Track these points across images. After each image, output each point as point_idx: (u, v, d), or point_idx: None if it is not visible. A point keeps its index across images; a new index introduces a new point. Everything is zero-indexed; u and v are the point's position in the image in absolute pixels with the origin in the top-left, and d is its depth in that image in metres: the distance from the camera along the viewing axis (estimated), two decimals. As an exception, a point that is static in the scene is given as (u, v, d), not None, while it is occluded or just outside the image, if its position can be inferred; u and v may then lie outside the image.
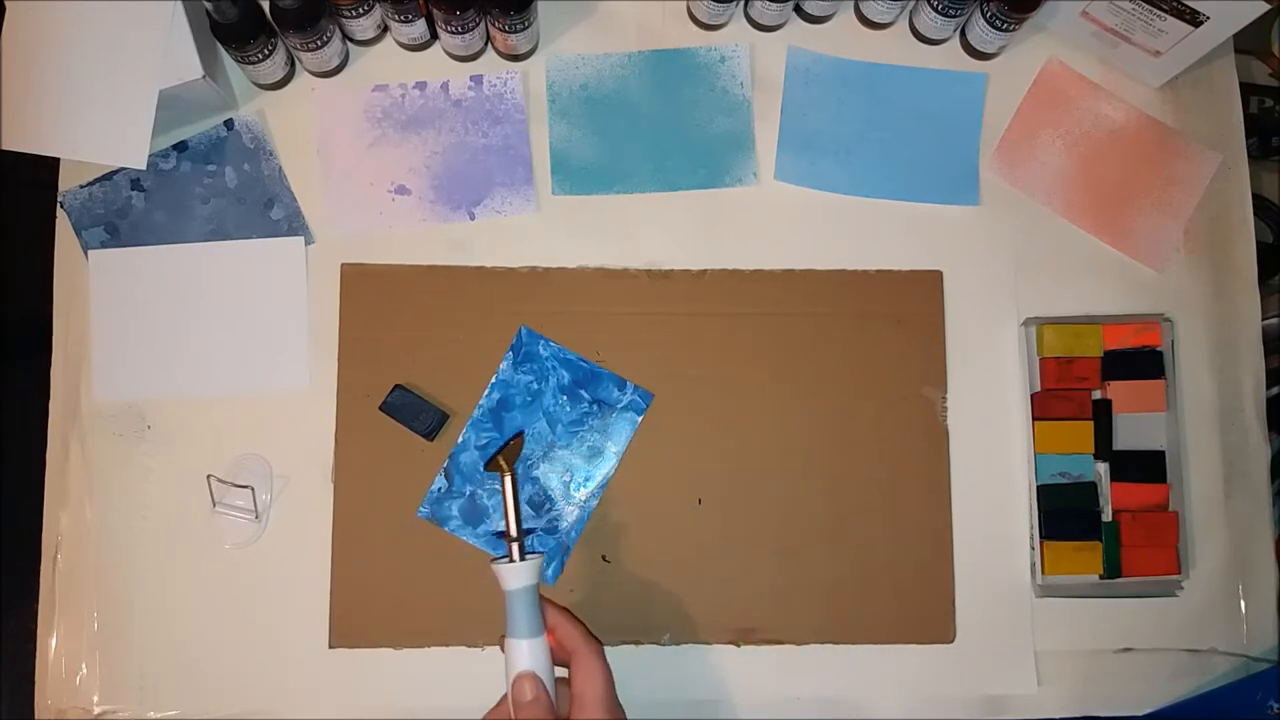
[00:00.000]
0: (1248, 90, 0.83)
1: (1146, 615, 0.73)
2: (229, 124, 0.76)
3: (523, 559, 0.57)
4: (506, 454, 0.60)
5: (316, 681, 0.70)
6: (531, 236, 0.75)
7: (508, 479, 0.59)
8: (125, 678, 0.70)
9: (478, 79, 0.77)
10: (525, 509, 0.72)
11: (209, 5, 0.66)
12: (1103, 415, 0.74)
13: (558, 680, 0.57)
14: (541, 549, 0.60)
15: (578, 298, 0.74)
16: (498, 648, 0.70)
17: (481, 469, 0.70)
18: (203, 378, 0.73)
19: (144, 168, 0.71)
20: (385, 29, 0.76)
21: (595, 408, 0.73)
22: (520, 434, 0.71)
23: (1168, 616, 0.73)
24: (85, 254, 0.74)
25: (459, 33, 0.73)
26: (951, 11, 0.74)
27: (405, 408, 0.71)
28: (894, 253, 0.76)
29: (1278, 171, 0.90)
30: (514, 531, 0.58)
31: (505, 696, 0.56)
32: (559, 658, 0.57)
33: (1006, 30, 0.74)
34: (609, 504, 0.72)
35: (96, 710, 0.69)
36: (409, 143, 0.76)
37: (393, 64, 0.77)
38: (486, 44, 0.77)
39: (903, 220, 0.77)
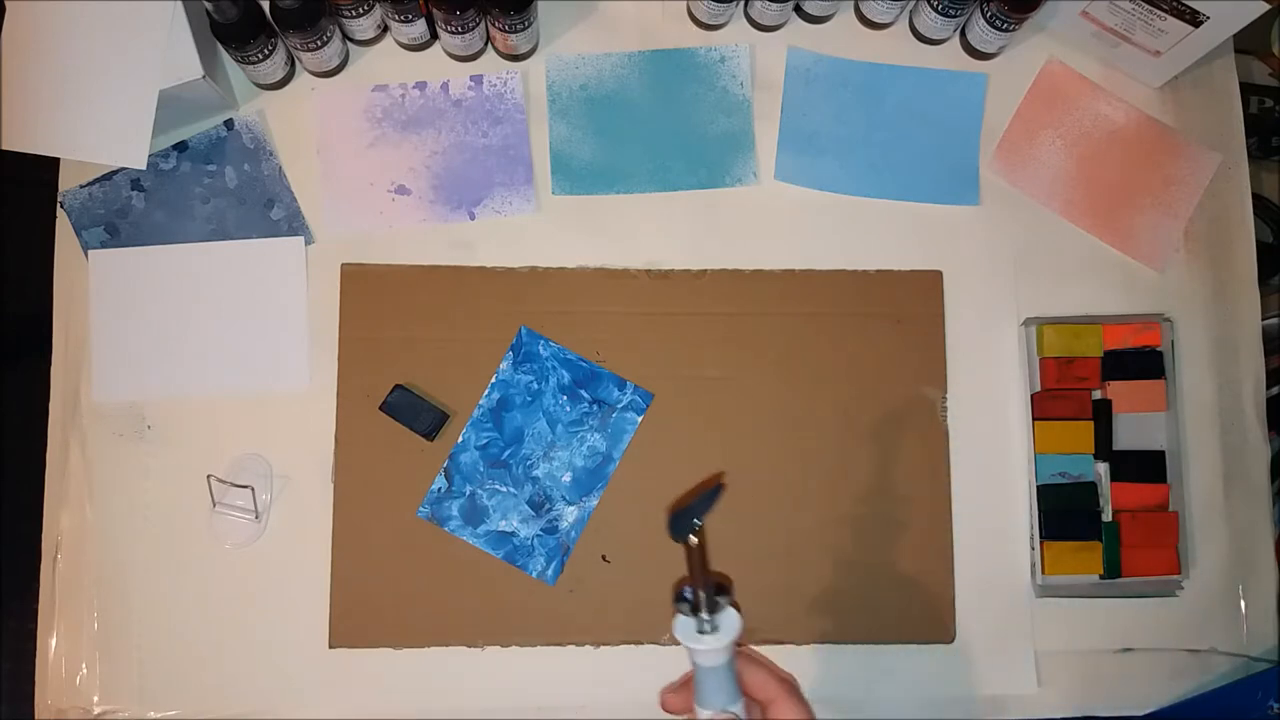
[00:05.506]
0: (1248, 90, 0.83)
1: (1146, 615, 0.73)
2: (229, 124, 0.76)
3: (713, 630, 0.48)
4: (695, 509, 0.49)
5: (316, 681, 0.70)
6: (531, 236, 0.75)
7: (693, 541, 0.49)
8: (125, 678, 0.70)
9: (478, 79, 0.77)
10: (525, 509, 0.72)
11: (209, 5, 0.66)
12: (1103, 415, 0.74)
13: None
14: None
15: (578, 298, 0.74)
16: (497, 647, 0.71)
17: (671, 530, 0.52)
18: (203, 378, 0.73)
19: (144, 168, 0.71)
20: (385, 29, 0.76)
21: (595, 408, 0.73)
22: (718, 488, 0.54)
23: (1168, 616, 0.73)
24: (85, 254, 0.74)
25: (459, 33, 0.73)
26: (951, 11, 0.74)
27: (405, 408, 0.71)
28: (894, 253, 0.76)
29: (1278, 171, 0.90)
30: (701, 601, 0.48)
31: None
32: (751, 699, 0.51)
33: (1006, 30, 0.74)
34: (609, 504, 0.72)
35: (96, 710, 0.69)
36: (409, 143, 0.76)
37: (393, 64, 0.77)
38: (486, 44, 0.77)
39: (903, 220, 0.77)
